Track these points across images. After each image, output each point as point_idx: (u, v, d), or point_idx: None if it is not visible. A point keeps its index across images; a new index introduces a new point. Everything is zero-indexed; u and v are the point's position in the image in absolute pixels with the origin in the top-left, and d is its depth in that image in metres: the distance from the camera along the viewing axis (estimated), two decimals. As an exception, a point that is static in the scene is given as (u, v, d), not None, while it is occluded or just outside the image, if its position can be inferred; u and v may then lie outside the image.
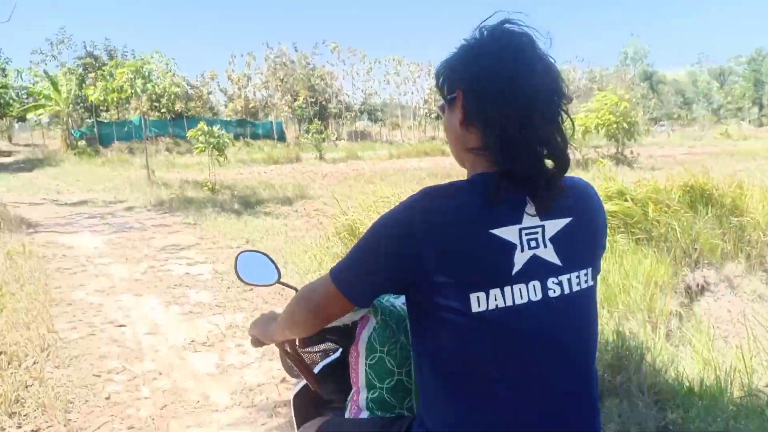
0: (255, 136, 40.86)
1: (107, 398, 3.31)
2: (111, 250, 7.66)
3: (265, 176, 19.05)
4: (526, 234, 1.02)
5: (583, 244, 1.09)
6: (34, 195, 15.08)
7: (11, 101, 38.21)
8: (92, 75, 34.81)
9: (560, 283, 1.04)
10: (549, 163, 1.05)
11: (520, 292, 1.00)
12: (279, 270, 1.68)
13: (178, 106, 39.56)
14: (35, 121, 42.78)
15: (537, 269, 1.02)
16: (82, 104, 35.33)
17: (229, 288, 5.48)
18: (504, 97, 1.01)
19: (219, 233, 8.54)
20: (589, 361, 1.10)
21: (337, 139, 41.37)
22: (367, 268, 1.07)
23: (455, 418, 1.05)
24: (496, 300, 0.99)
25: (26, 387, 3.34)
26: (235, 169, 22.44)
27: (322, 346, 1.58)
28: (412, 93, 60.47)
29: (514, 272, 1.00)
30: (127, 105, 36.35)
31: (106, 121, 36.76)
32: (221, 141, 13.62)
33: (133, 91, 18.50)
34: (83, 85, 33.02)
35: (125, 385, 3.50)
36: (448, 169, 20.80)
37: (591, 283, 1.09)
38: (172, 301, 5.22)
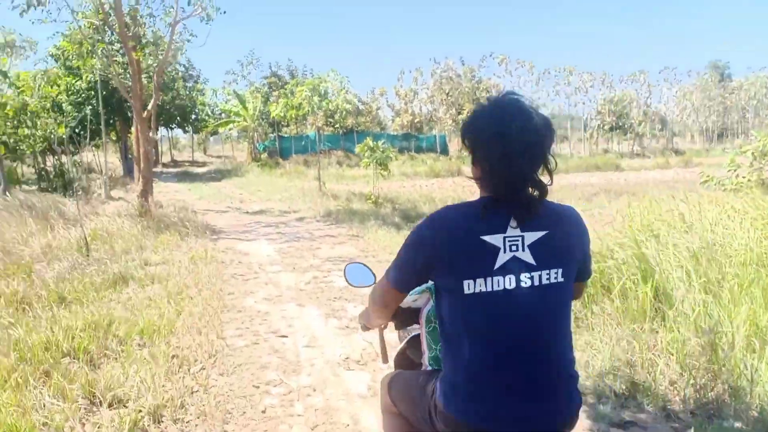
0: (419, 150, 41.62)
1: (263, 412, 3.36)
2: (281, 258, 8.08)
3: (426, 189, 19.17)
4: (509, 241, 1.43)
5: (555, 251, 1.48)
6: (221, 203, 16.67)
7: (207, 117, 43.19)
8: (276, 93, 37.98)
9: (532, 278, 1.44)
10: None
11: (498, 282, 1.42)
12: (374, 275, 2.19)
13: (350, 122, 41.64)
14: (226, 135, 47.85)
15: (514, 266, 1.43)
16: (266, 120, 38.60)
17: (385, 305, 5.43)
18: (491, 146, 1.45)
19: (379, 247, 8.64)
20: (557, 333, 1.50)
21: (500, 152, 40.47)
22: (405, 264, 1.55)
23: (450, 368, 1.52)
24: (480, 286, 1.42)
25: (191, 393, 3.52)
26: (398, 181, 22.94)
27: (416, 326, 2.00)
28: (584, 103, 57.77)
29: (495, 267, 1.42)
30: (304, 120, 39.08)
31: (286, 135, 39.82)
32: (385, 156, 13.93)
33: (309, 107, 19.77)
34: (268, 102, 36.17)
35: (281, 399, 3.54)
36: (623, 185, 19.31)
37: (561, 279, 1.48)
38: (331, 314, 5.30)
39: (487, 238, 1.42)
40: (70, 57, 21.62)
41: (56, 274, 5.97)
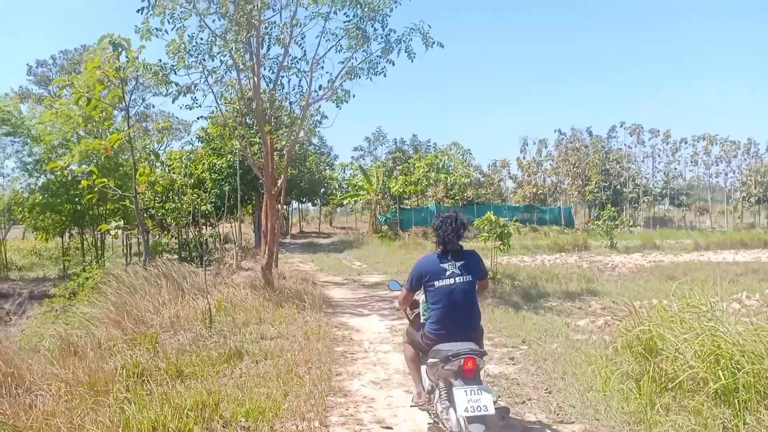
0: (542, 222, 40.42)
1: None
2: (391, 336, 7.94)
3: (548, 265, 18.33)
4: (449, 265, 4.19)
5: (467, 268, 4.22)
6: (339, 274, 17.02)
7: (334, 191, 45.42)
8: (399, 168, 39.18)
9: (461, 280, 4.17)
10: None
11: (448, 282, 4.16)
12: (401, 285, 4.68)
13: (470, 193, 41.71)
14: (351, 207, 49.83)
15: (453, 275, 4.17)
16: (388, 193, 39.79)
17: (499, 397, 5.06)
18: (441, 234, 4.28)
19: (495, 328, 8.20)
20: (472, 307, 4.21)
21: (632, 225, 38.24)
22: (412, 278, 4.33)
23: (429, 318, 4.25)
24: (441, 282, 4.16)
25: (286, 488, 3.38)
26: (518, 255, 22.22)
27: (417, 309, 4.63)
28: (726, 174, 53.62)
29: (445, 276, 4.18)
30: (424, 193, 39.74)
31: (407, 207, 40.60)
32: (505, 231, 13.51)
33: (427, 182, 19.99)
34: (391, 176, 37.34)
35: (377, 503, 3.30)
36: (771, 264, 17.25)
37: (471, 279, 4.21)
38: (438, 404, 5.00)
39: (442, 264, 4.13)
40: (214, 138, 23.82)
41: (178, 346, 6.25)
